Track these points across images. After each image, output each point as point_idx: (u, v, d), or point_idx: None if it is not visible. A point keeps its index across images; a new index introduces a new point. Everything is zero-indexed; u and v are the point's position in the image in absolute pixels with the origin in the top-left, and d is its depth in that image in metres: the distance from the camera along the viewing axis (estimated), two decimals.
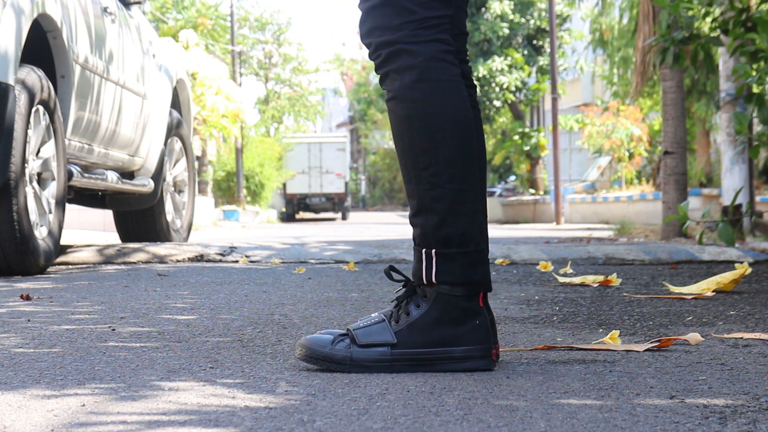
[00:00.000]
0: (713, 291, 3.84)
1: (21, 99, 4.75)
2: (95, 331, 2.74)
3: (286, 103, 45.36)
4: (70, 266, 5.74)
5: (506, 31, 27.12)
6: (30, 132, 4.91)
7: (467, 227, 2.12)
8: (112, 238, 8.85)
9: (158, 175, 7.06)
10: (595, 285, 4.29)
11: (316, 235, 13.53)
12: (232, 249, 6.23)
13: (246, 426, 1.56)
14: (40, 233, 5.07)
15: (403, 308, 2.15)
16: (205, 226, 18.34)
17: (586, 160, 30.92)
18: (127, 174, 6.87)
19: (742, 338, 2.57)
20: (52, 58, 5.31)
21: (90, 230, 12.07)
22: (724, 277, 3.92)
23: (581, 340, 2.59)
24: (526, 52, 27.88)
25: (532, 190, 28.24)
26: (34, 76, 4.90)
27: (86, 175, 5.81)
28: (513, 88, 27.33)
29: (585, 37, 27.22)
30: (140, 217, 7.21)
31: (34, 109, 4.92)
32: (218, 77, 20.81)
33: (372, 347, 2.10)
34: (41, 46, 5.23)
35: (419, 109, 2.12)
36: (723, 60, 10.05)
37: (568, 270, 5.01)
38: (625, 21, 18.98)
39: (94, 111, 5.81)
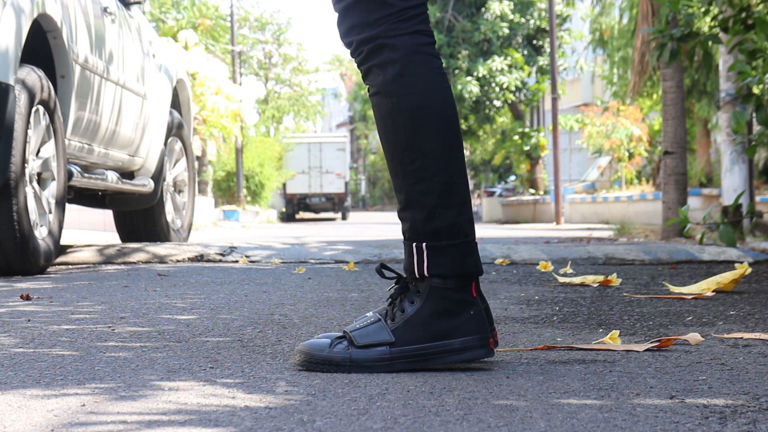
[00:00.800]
0: (713, 291, 3.84)
1: (21, 99, 4.75)
2: (95, 331, 2.74)
3: (286, 103, 45.37)
4: (70, 266, 5.74)
5: (506, 31, 27.11)
6: (30, 132, 4.91)
7: (456, 219, 2.12)
8: (112, 238, 8.85)
9: (158, 175, 7.06)
10: (595, 285, 4.29)
11: (316, 235, 13.53)
12: (232, 249, 6.23)
13: (246, 426, 1.56)
14: (40, 233, 5.07)
15: (398, 306, 2.15)
16: (205, 226, 18.34)
17: (586, 160, 30.93)
18: (127, 174, 6.87)
19: (742, 338, 2.57)
20: (52, 58, 5.31)
21: (90, 230, 12.07)
22: (724, 277, 3.92)
23: (581, 340, 2.59)
24: (526, 52, 27.88)
25: (532, 190, 28.24)
26: (34, 76, 4.90)
27: (86, 175, 5.81)
28: (513, 88, 27.32)
29: (585, 37, 27.23)
30: (140, 217, 7.21)
31: (34, 109, 4.92)
32: (218, 77, 20.81)
33: (371, 347, 2.10)
34: (41, 46, 5.23)
35: (403, 103, 2.12)
36: (723, 60, 10.06)
37: (568, 270, 5.01)
38: (625, 21, 19.00)
39: (94, 111, 5.81)
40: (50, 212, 5.19)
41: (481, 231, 15.05)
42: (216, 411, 1.67)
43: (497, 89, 27.11)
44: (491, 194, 34.04)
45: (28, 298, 3.64)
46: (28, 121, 4.83)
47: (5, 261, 4.84)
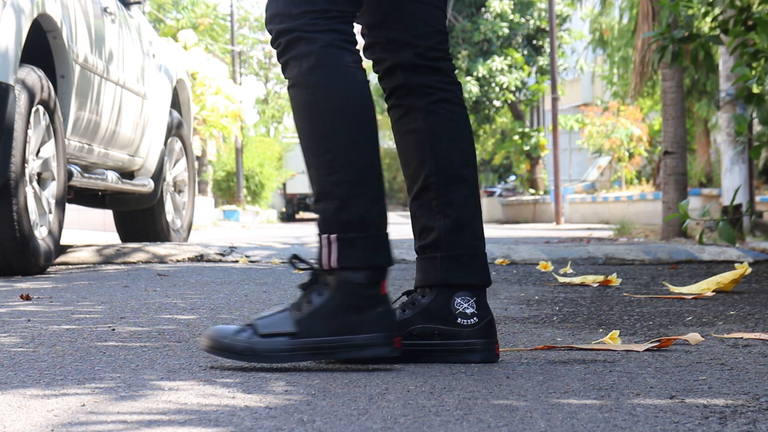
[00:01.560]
0: (713, 291, 3.84)
1: (21, 99, 4.75)
2: (95, 331, 2.74)
3: (286, 103, 45.35)
4: (70, 266, 5.74)
5: (506, 30, 27.11)
6: (30, 132, 4.91)
7: (367, 211, 2.12)
8: (112, 238, 8.84)
9: (158, 175, 7.06)
10: (595, 285, 4.29)
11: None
12: (232, 249, 6.23)
13: (246, 426, 1.56)
14: (40, 233, 5.07)
15: (306, 297, 2.14)
16: (205, 226, 18.34)
17: (586, 160, 30.92)
18: (127, 174, 6.87)
19: (742, 338, 2.57)
20: (52, 58, 5.31)
21: (90, 230, 12.07)
22: (724, 277, 3.92)
23: (581, 340, 2.59)
24: (526, 52, 27.87)
25: (532, 190, 28.24)
26: (34, 76, 4.90)
27: (86, 175, 5.81)
28: (513, 88, 27.31)
29: (585, 37, 27.22)
30: (140, 217, 7.20)
31: (34, 109, 4.92)
32: (218, 77, 20.81)
33: (273, 337, 2.10)
34: (41, 46, 5.23)
35: (317, 95, 2.13)
36: (723, 60, 10.05)
37: (568, 270, 5.01)
38: (625, 21, 18.99)
39: (94, 111, 5.81)
40: (50, 212, 5.18)
41: None
42: (216, 411, 1.67)
43: (497, 89, 27.11)
44: (491, 194, 34.05)
45: (28, 298, 3.64)
46: (28, 121, 4.83)
47: (5, 261, 4.84)
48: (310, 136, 2.15)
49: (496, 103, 27.63)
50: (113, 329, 2.78)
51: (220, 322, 2.94)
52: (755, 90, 5.29)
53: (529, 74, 27.79)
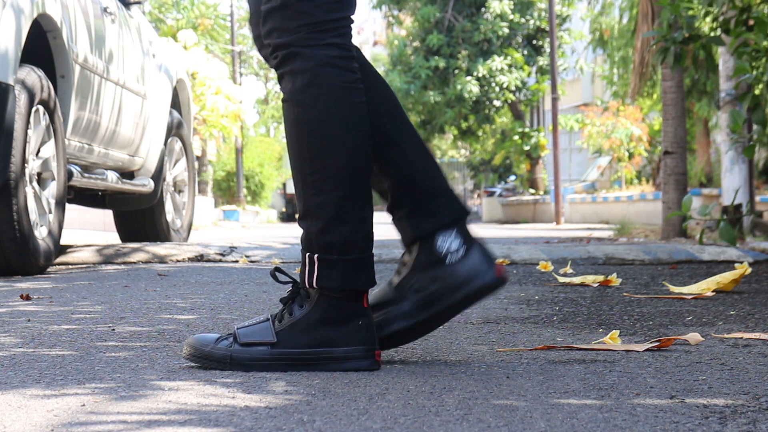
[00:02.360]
0: (713, 291, 3.84)
1: (21, 99, 4.75)
2: (95, 331, 2.74)
3: None
4: (70, 266, 5.74)
5: (506, 30, 27.11)
6: (30, 132, 4.91)
7: (351, 235, 2.11)
8: (112, 238, 8.84)
9: (158, 175, 7.06)
10: (595, 285, 4.29)
11: None
12: (232, 249, 6.23)
13: (246, 426, 1.56)
14: (40, 233, 5.07)
15: (287, 308, 2.15)
16: (205, 226, 18.34)
17: (586, 160, 30.92)
18: (127, 174, 6.87)
19: (742, 338, 2.57)
20: (52, 58, 5.31)
21: (90, 230, 12.07)
22: (724, 277, 3.92)
23: (581, 340, 2.59)
24: (526, 52, 27.87)
25: (532, 190, 28.24)
26: (34, 76, 4.90)
27: (86, 175, 5.81)
28: (513, 88, 27.32)
29: (585, 37, 27.21)
30: (140, 217, 7.20)
31: (34, 109, 4.92)
32: (218, 77, 20.81)
33: (252, 346, 2.10)
34: (41, 46, 5.23)
35: (308, 114, 2.11)
36: (723, 60, 10.05)
37: (568, 270, 5.01)
38: (625, 21, 18.99)
39: (94, 111, 5.81)
40: (50, 212, 5.18)
41: (481, 231, 15.03)
42: (216, 411, 1.67)
43: (497, 89, 27.11)
44: (491, 194, 34.05)
45: (28, 298, 3.64)
46: (28, 121, 4.83)
47: (5, 261, 4.84)
48: (299, 154, 2.13)
49: (496, 103, 27.63)
50: (113, 329, 2.78)
51: (220, 322, 2.94)
52: (756, 91, 5.29)
53: (529, 74, 27.79)
